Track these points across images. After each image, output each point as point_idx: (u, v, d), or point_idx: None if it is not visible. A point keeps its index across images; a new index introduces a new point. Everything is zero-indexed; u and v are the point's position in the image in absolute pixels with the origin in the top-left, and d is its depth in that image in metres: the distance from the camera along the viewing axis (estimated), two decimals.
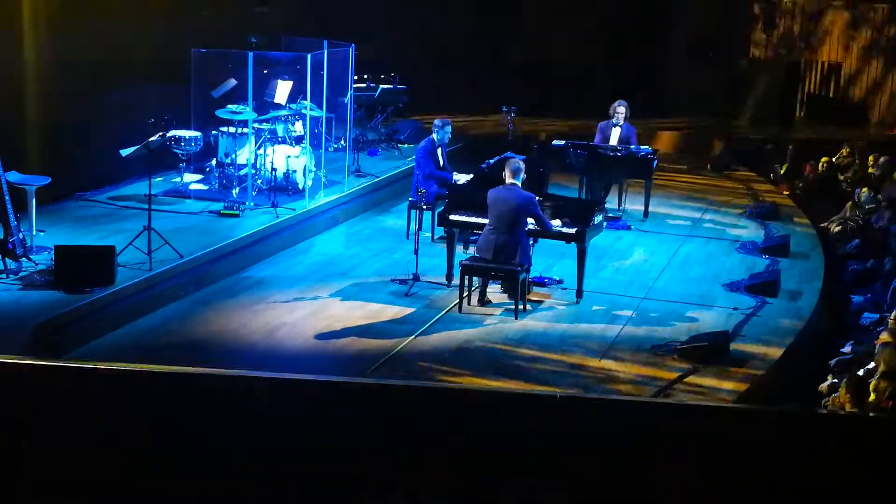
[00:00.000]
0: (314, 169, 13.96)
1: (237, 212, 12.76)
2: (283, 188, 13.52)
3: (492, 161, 12.55)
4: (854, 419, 7.52)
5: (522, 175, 10.81)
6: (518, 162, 10.93)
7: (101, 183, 13.51)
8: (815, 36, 21.24)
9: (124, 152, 11.58)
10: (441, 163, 13.10)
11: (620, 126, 14.50)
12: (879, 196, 14.55)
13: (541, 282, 11.64)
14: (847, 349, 10.26)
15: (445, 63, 19.54)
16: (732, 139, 19.31)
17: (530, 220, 10.86)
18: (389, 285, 11.48)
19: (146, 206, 11.01)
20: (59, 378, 7.77)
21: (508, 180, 10.78)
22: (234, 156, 13.61)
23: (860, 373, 9.38)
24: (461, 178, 12.90)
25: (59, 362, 8.74)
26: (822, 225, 14.75)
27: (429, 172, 12.91)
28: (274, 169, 13.46)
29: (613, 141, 14.52)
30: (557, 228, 11.15)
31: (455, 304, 10.92)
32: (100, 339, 9.73)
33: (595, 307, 11.16)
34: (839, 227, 14.34)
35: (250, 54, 12.92)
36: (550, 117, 19.77)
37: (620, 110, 14.48)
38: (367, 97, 16.89)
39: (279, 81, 14.59)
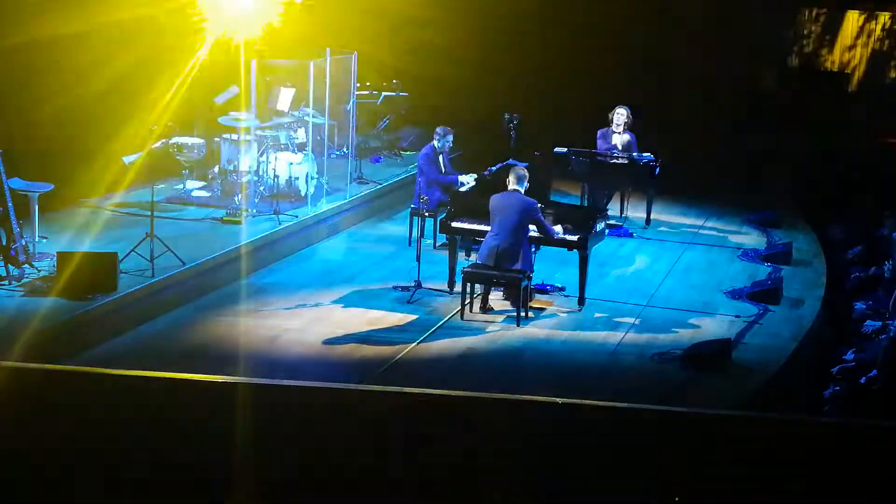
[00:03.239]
0: (316, 176, 13.97)
1: (239, 219, 12.77)
2: (286, 195, 13.53)
3: (493, 168, 12.56)
4: (855, 427, 7.52)
5: (526, 183, 10.84)
6: (523, 169, 10.97)
7: (104, 190, 13.51)
8: None
9: (127, 159, 11.60)
10: (443, 170, 13.12)
11: (621, 133, 14.48)
12: None
13: (543, 289, 11.64)
14: (849, 357, 10.26)
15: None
16: None
17: (532, 226, 10.87)
18: (392, 292, 11.48)
19: (149, 213, 11.03)
20: (62, 384, 7.79)
21: (511, 186, 10.80)
22: (236, 163, 13.62)
23: (862, 380, 9.39)
24: (467, 179, 12.89)
25: (61, 368, 8.77)
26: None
27: (434, 178, 12.93)
28: (276, 176, 13.47)
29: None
30: (560, 235, 11.15)
31: (457, 312, 10.92)
32: (102, 346, 9.74)
33: (597, 314, 11.16)
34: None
35: (253, 61, 12.93)
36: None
37: (621, 112, 14.43)
38: (369, 104, 16.89)
39: (282, 88, 14.60)
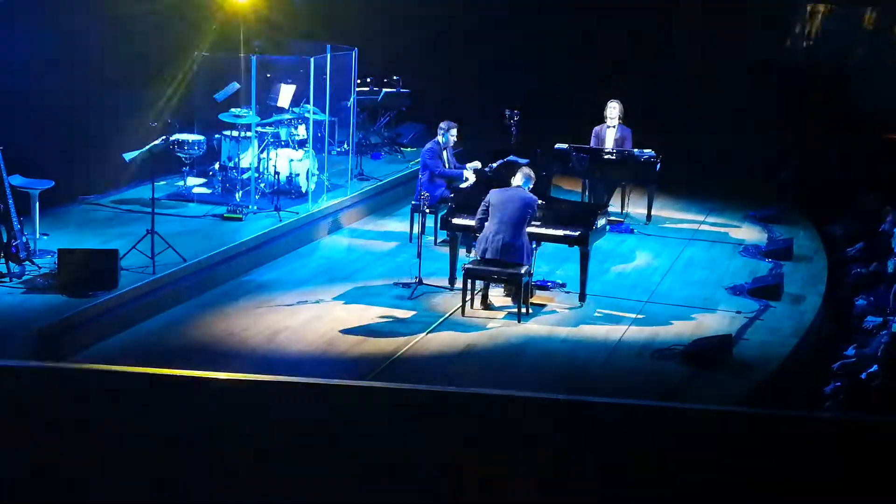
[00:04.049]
0: (317, 172, 13.97)
1: (240, 215, 12.77)
2: (287, 192, 13.54)
3: (494, 164, 12.55)
4: (855, 423, 7.51)
5: (532, 184, 10.87)
6: (530, 170, 11.02)
7: (105, 186, 13.52)
8: None
9: (127, 156, 11.60)
10: (447, 165, 13.13)
11: (615, 127, 14.45)
12: None
13: (544, 285, 11.64)
14: (850, 353, 10.25)
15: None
16: None
17: (533, 223, 10.89)
18: (392, 289, 11.49)
19: (149, 210, 11.03)
20: (63, 381, 7.78)
21: (516, 183, 10.83)
22: (237, 159, 13.62)
23: (863, 376, 9.38)
24: (472, 166, 12.89)
25: (62, 365, 8.77)
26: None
27: (439, 172, 12.95)
28: (277, 172, 13.47)
29: (609, 143, 14.47)
30: (561, 231, 11.17)
31: (458, 308, 10.92)
32: (103, 343, 9.74)
33: (598, 311, 11.16)
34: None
35: (254, 58, 12.94)
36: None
37: (614, 105, 14.40)
38: (369, 101, 16.90)
39: (282, 85, 14.61)
